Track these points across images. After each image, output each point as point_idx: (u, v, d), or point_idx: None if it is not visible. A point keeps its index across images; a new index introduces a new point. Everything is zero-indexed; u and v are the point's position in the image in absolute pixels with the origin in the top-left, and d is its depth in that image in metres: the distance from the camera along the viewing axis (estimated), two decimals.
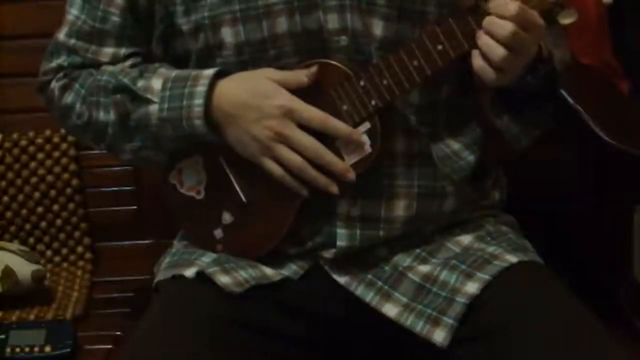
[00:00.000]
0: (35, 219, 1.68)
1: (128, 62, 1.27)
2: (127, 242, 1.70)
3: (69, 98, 1.28)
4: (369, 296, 1.22)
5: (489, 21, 1.09)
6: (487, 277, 1.18)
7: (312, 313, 1.23)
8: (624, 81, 1.70)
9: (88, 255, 1.69)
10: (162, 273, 1.28)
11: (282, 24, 1.18)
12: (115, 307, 1.58)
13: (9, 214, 1.67)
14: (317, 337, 1.23)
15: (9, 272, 1.51)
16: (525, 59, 1.12)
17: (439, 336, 1.16)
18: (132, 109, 1.23)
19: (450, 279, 1.20)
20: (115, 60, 1.27)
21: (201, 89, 1.19)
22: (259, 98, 1.17)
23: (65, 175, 1.68)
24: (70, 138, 1.67)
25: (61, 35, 1.29)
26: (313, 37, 1.18)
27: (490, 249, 1.23)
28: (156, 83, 1.22)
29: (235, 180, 1.25)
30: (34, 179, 1.67)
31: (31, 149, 1.68)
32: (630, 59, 1.72)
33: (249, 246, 1.26)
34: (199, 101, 1.19)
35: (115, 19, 1.26)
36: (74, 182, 1.68)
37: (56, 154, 1.68)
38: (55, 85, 1.29)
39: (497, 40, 1.08)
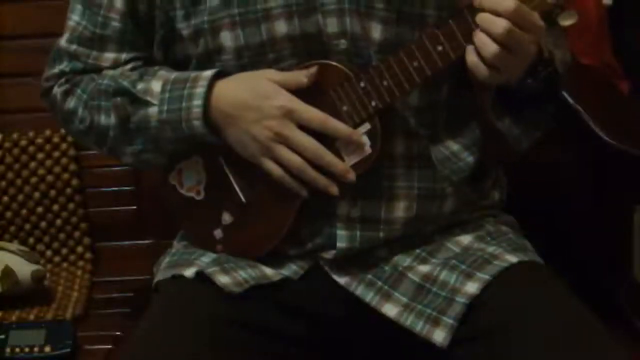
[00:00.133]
0: (35, 219, 1.68)
1: (128, 66, 1.28)
2: (127, 242, 1.71)
3: (71, 103, 1.29)
4: (369, 296, 1.22)
5: (484, 18, 1.09)
6: (487, 277, 1.18)
7: (312, 313, 1.23)
8: (624, 81, 1.70)
9: (88, 255, 1.69)
10: (162, 273, 1.28)
11: (281, 28, 1.17)
12: (115, 307, 1.58)
13: (9, 214, 1.67)
14: (317, 337, 1.23)
15: (9, 272, 1.51)
16: (523, 59, 1.11)
17: (439, 336, 1.16)
18: (132, 111, 1.24)
19: (450, 279, 1.20)
20: (116, 65, 1.28)
21: (200, 90, 1.19)
22: (259, 98, 1.17)
23: (65, 175, 1.68)
24: (70, 138, 1.67)
25: (63, 41, 1.30)
26: (312, 41, 1.18)
27: (490, 249, 1.23)
28: (156, 85, 1.23)
29: (235, 181, 1.25)
30: (34, 179, 1.67)
31: (31, 149, 1.68)
32: (630, 59, 1.72)
33: (249, 246, 1.26)
34: (197, 102, 1.19)
35: (116, 24, 1.26)
36: (74, 182, 1.68)
37: (56, 154, 1.68)
38: (57, 90, 1.30)
39: (492, 37, 1.08)
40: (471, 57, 1.11)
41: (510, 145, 1.25)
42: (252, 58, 1.20)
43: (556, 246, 1.34)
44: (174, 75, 1.23)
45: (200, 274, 1.22)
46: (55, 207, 1.68)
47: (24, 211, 1.67)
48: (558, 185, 1.52)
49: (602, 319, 1.13)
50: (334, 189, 1.18)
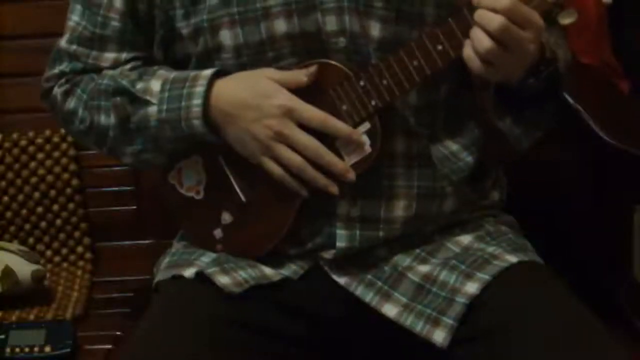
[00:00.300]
0: (35, 219, 1.68)
1: (128, 66, 1.28)
2: (127, 242, 1.71)
3: (71, 103, 1.29)
4: (369, 296, 1.21)
5: (480, 14, 1.09)
6: (487, 277, 1.18)
7: (312, 313, 1.23)
8: (624, 81, 1.69)
9: (88, 255, 1.69)
10: (162, 273, 1.28)
11: (280, 26, 1.17)
12: (115, 307, 1.58)
13: (9, 214, 1.67)
14: (317, 337, 1.23)
15: (9, 272, 1.51)
16: (521, 57, 1.11)
17: (439, 336, 1.16)
18: (132, 111, 1.24)
19: (450, 279, 1.20)
20: (116, 65, 1.28)
21: (200, 89, 1.19)
22: (259, 97, 1.17)
23: (65, 175, 1.68)
24: (70, 138, 1.67)
25: (63, 42, 1.30)
26: (311, 39, 1.18)
27: (490, 249, 1.23)
28: (155, 85, 1.23)
29: (234, 181, 1.25)
30: (34, 179, 1.67)
31: (31, 149, 1.68)
32: (630, 58, 1.72)
33: (249, 246, 1.26)
34: (197, 101, 1.19)
35: (115, 23, 1.26)
36: (74, 182, 1.68)
37: (56, 154, 1.68)
38: (57, 91, 1.30)
39: (488, 33, 1.08)
40: (467, 51, 1.11)
41: (511, 145, 1.25)
42: (251, 57, 1.20)
43: (556, 246, 1.34)
44: (173, 74, 1.23)
45: (200, 274, 1.22)
46: (55, 207, 1.68)
47: (24, 211, 1.67)
48: (558, 185, 1.52)
49: (602, 319, 1.13)
50: (334, 189, 1.18)
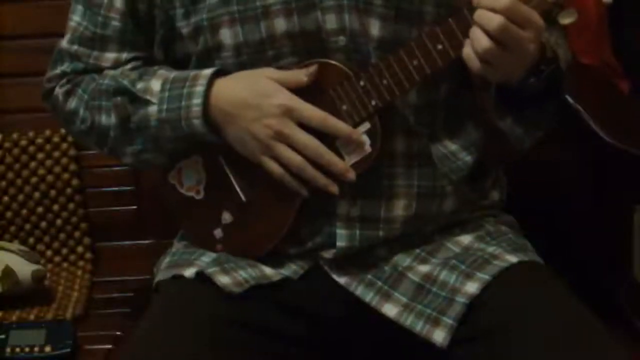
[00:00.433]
0: (35, 219, 1.68)
1: (129, 66, 1.28)
2: (127, 242, 1.71)
3: (72, 104, 1.29)
4: (369, 296, 1.21)
5: (480, 14, 1.09)
6: (487, 277, 1.18)
7: (312, 313, 1.23)
8: (624, 81, 1.69)
9: (88, 255, 1.69)
10: (162, 273, 1.28)
11: (280, 25, 1.17)
12: (115, 307, 1.58)
13: (9, 214, 1.67)
14: (317, 337, 1.23)
15: (9, 272, 1.51)
16: (520, 56, 1.10)
17: (439, 336, 1.16)
18: (132, 110, 1.24)
19: (450, 279, 1.20)
20: (117, 65, 1.28)
21: (199, 88, 1.19)
22: (259, 97, 1.17)
23: (65, 175, 1.68)
24: (70, 138, 1.67)
25: (64, 42, 1.30)
26: (311, 38, 1.18)
27: (490, 249, 1.23)
28: (155, 84, 1.23)
29: (234, 180, 1.25)
30: (34, 179, 1.67)
31: (31, 149, 1.68)
32: (630, 58, 1.72)
33: (249, 246, 1.26)
34: (197, 101, 1.19)
35: (116, 23, 1.26)
36: (74, 182, 1.68)
37: (56, 154, 1.68)
38: (59, 91, 1.30)
39: (486, 33, 1.08)
40: (467, 50, 1.11)
41: (513, 145, 1.25)
42: (251, 55, 1.20)
43: (556, 246, 1.34)
44: (173, 74, 1.23)
45: (200, 274, 1.22)
46: (56, 207, 1.68)
47: (24, 211, 1.68)
48: (558, 185, 1.52)
49: (602, 319, 1.13)
50: (334, 188, 1.18)
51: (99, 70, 1.29)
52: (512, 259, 1.21)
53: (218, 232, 1.27)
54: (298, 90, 1.17)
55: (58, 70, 1.31)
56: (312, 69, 1.17)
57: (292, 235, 1.23)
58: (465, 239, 1.26)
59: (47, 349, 1.39)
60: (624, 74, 1.70)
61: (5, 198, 1.67)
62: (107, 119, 1.26)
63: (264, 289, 1.21)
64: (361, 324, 1.22)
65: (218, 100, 1.19)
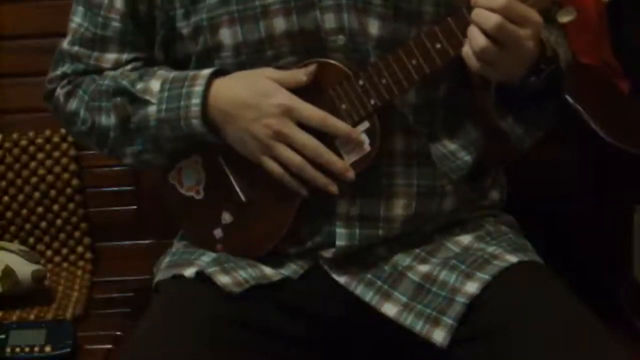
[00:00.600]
0: (36, 219, 1.68)
1: (129, 67, 1.28)
2: (127, 242, 1.71)
3: (73, 104, 1.29)
4: (369, 296, 1.21)
5: (477, 13, 1.08)
6: (487, 277, 1.18)
7: (312, 313, 1.23)
8: (623, 80, 1.69)
9: (88, 255, 1.69)
10: (162, 273, 1.28)
11: (279, 24, 1.18)
12: (115, 307, 1.58)
13: (9, 214, 1.68)
14: (317, 337, 1.23)
15: (9, 272, 1.51)
16: (518, 55, 1.10)
17: (439, 336, 1.16)
18: (132, 111, 1.24)
19: (450, 279, 1.20)
20: (117, 66, 1.28)
21: (198, 88, 1.19)
22: (258, 97, 1.17)
23: (65, 175, 1.68)
24: (70, 138, 1.68)
25: (65, 43, 1.31)
26: (310, 37, 1.18)
27: (490, 249, 1.23)
28: (154, 84, 1.23)
29: (234, 180, 1.25)
30: (34, 179, 1.68)
31: (31, 149, 1.68)
32: (629, 55, 1.72)
33: (249, 246, 1.26)
34: (196, 101, 1.19)
35: (116, 24, 1.27)
36: (74, 182, 1.68)
37: (56, 154, 1.68)
38: (60, 92, 1.31)
39: (484, 32, 1.08)
40: (465, 49, 1.10)
41: (513, 145, 1.25)
42: (250, 55, 1.20)
43: (556, 246, 1.33)
44: (172, 74, 1.23)
45: (200, 274, 1.22)
46: (56, 207, 1.68)
47: (24, 211, 1.68)
48: (558, 185, 1.52)
49: (602, 319, 1.13)
50: (334, 188, 1.18)
51: (100, 71, 1.29)
52: (512, 259, 1.21)
53: (218, 232, 1.27)
54: (297, 90, 1.17)
55: (59, 72, 1.31)
56: (311, 68, 1.17)
57: (291, 235, 1.23)
58: (465, 238, 1.26)
59: (47, 349, 1.39)
60: (624, 73, 1.70)
61: (5, 198, 1.67)
62: (107, 120, 1.26)
63: (264, 288, 1.21)
64: (361, 324, 1.22)
65: (217, 100, 1.19)
